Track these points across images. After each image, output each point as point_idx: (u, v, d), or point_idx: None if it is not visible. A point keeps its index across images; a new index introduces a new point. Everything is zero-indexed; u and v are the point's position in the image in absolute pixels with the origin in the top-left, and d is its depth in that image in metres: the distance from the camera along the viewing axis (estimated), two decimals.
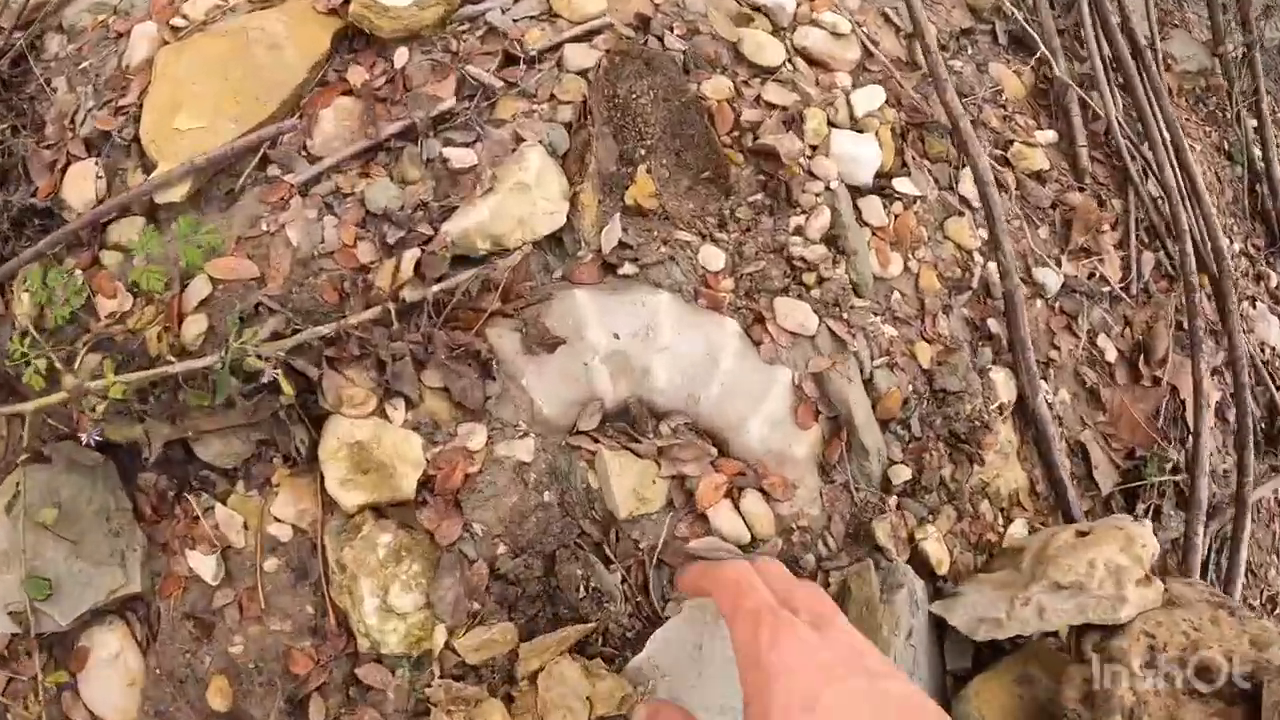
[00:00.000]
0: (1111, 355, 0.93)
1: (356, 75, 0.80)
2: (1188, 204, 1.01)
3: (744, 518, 0.73)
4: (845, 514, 0.77)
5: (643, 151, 0.82)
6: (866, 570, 0.72)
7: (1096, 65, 1.05)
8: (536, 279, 0.75)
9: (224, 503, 0.73)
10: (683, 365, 0.74)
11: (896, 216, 0.87)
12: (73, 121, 0.81)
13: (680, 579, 0.55)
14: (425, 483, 0.70)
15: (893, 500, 0.79)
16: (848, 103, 0.88)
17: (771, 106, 0.85)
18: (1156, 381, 0.93)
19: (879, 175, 0.87)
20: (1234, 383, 0.96)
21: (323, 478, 0.70)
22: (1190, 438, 0.92)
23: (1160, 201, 1.01)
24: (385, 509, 0.70)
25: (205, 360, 0.68)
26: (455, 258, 0.72)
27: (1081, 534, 0.75)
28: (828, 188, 0.83)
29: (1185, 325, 0.96)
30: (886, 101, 0.89)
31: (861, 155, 0.85)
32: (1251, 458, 0.92)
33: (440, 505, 0.69)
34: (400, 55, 0.80)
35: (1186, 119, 1.21)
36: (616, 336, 0.73)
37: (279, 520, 0.72)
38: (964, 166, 0.92)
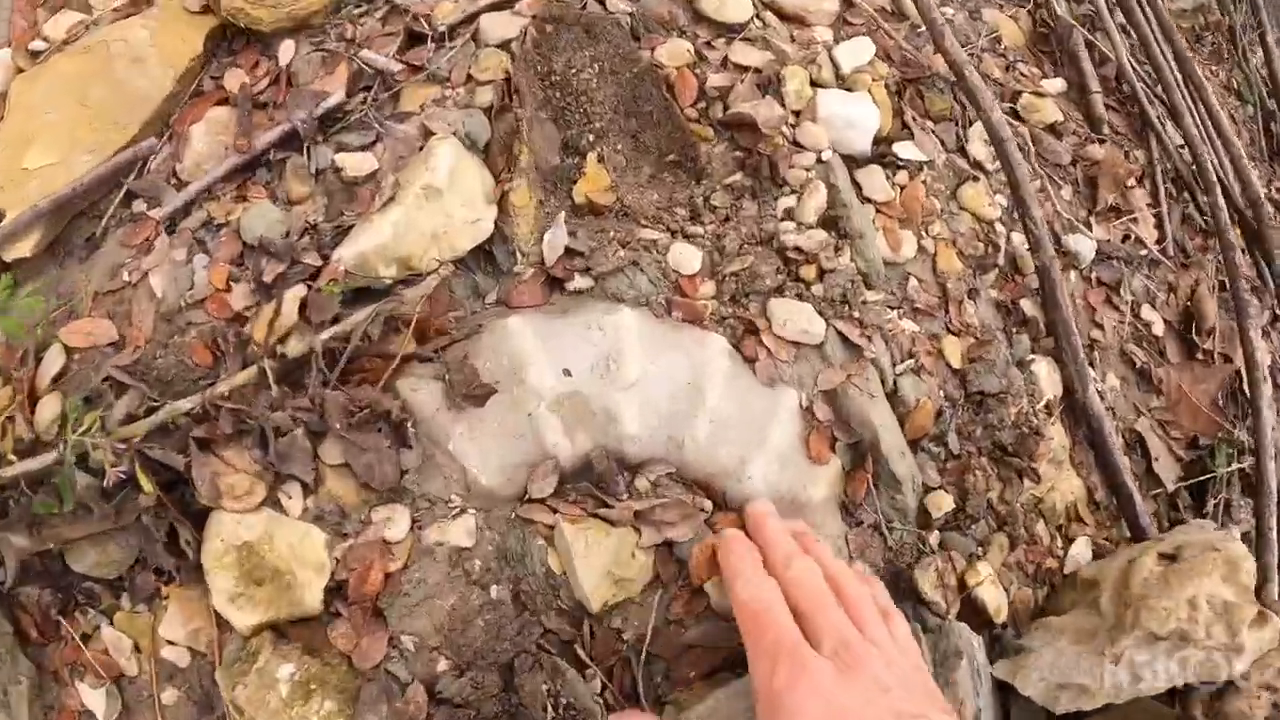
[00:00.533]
0: (1159, 328, 0.62)
1: (234, 80, 0.50)
2: (1213, 149, 0.68)
3: None
4: (878, 562, 0.48)
5: (591, 137, 0.52)
6: (916, 632, 0.42)
7: (1100, 3, 0.72)
8: (463, 308, 0.45)
9: (111, 621, 0.45)
10: (658, 402, 0.44)
11: (903, 188, 0.56)
12: None
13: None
14: (335, 589, 0.41)
15: (934, 537, 0.49)
16: (831, 59, 0.56)
17: (742, 69, 0.53)
18: (1213, 358, 0.61)
19: (877, 141, 0.56)
20: None
21: (210, 592, 0.42)
22: (1250, 414, 0.61)
23: (1183, 151, 0.68)
24: (287, 628, 0.41)
25: (45, 458, 0.39)
26: (355, 291, 0.42)
27: (1166, 557, 0.46)
28: (819, 159, 0.52)
29: (1227, 286, 0.64)
30: (876, 55, 0.58)
31: (855, 116, 0.54)
32: None
33: (357, 617, 0.40)
34: (285, 50, 0.50)
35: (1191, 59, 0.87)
36: (568, 374, 0.43)
37: (171, 642, 0.44)
38: (972, 124, 0.60)
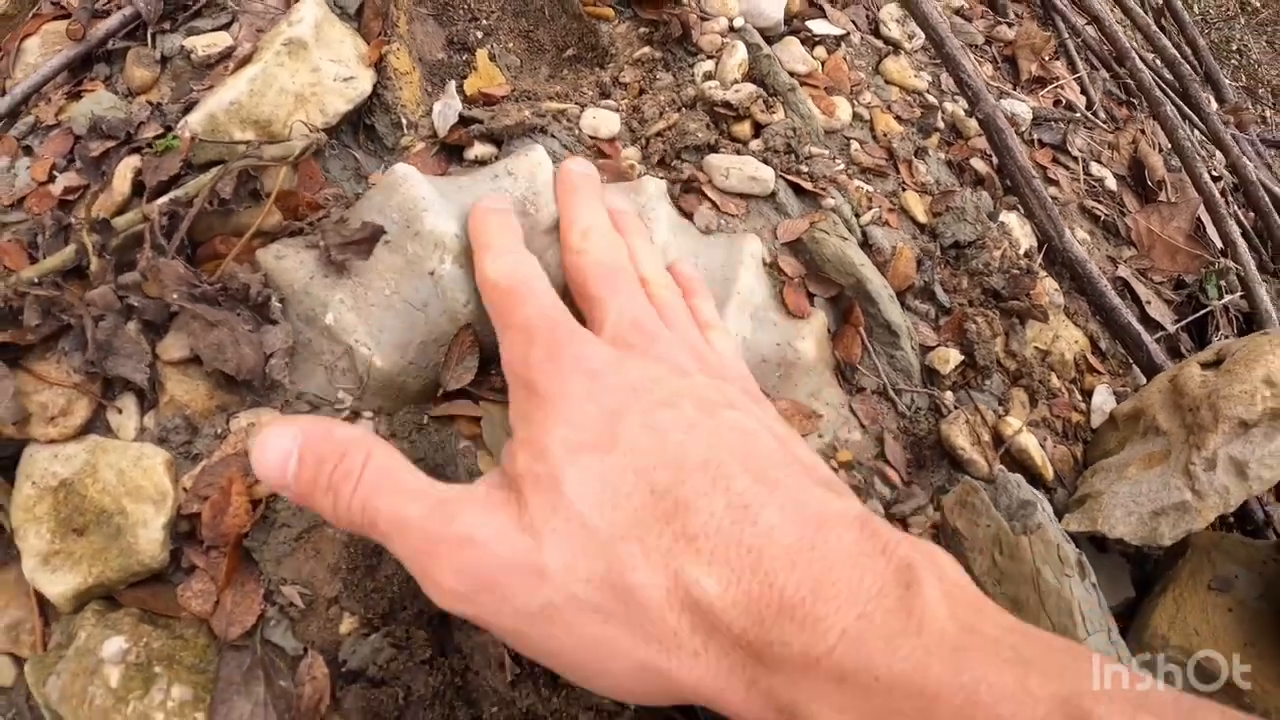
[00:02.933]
0: (1112, 183, 0.64)
1: None
2: (1119, 27, 0.75)
3: None
4: (894, 430, 0.43)
5: (479, 34, 0.50)
6: (972, 494, 0.37)
7: None
8: (343, 190, 0.40)
9: None
10: None
11: (823, 62, 0.57)
12: None
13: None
14: (187, 534, 0.32)
15: (949, 398, 0.45)
16: None
17: None
18: (1173, 200, 0.64)
19: (789, 18, 0.58)
20: (1240, 182, 0.68)
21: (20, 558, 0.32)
22: (1226, 251, 0.63)
23: (1090, 27, 0.75)
24: (118, 589, 0.32)
25: None
26: (205, 164, 0.37)
27: (1209, 364, 0.43)
28: (732, 27, 0.53)
29: (1165, 143, 0.68)
30: None
31: None
32: None
33: (216, 566, 0.31)
34: None
35: None
36: None
37: None
38: (882, 6, 0.64)
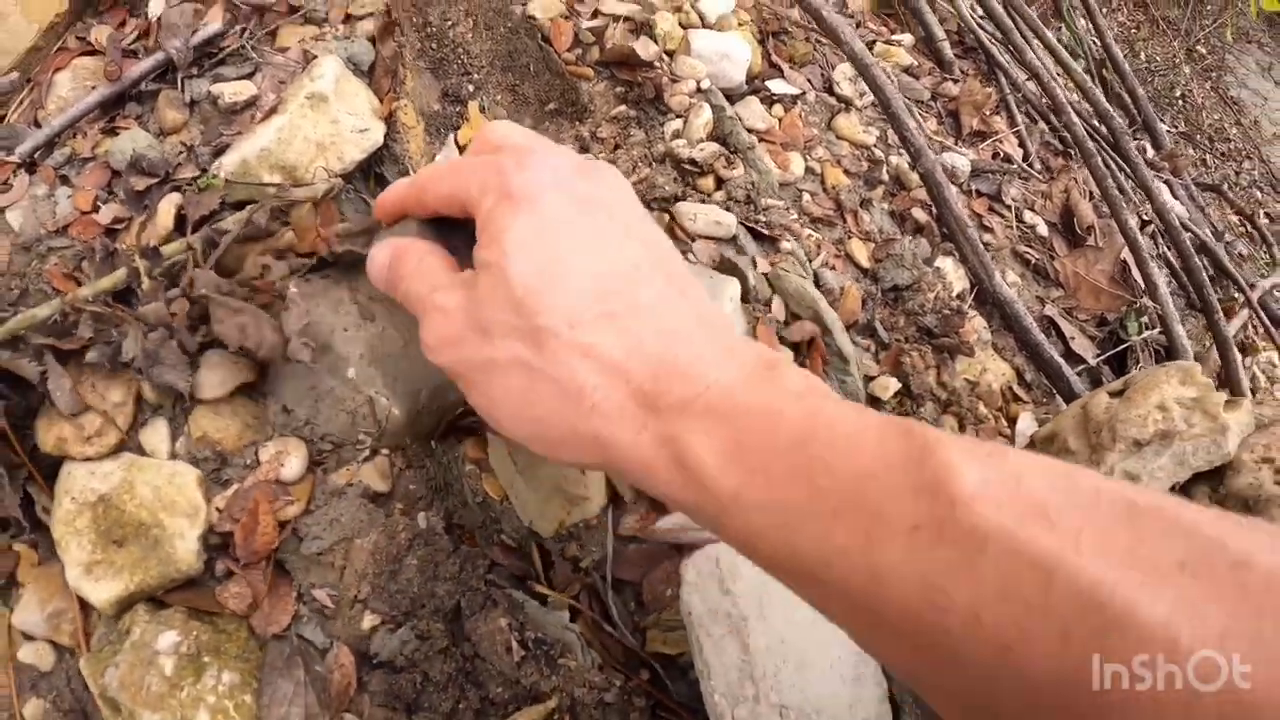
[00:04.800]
0: (1043, 230, 0.76)
1: (102, 33, 0.53)
2: (1057, 81, 0.89)
3: None
4: None
5: (471, 87, 0.59)
6: None
7: None
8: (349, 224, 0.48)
9: None
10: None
11: (780, 119, 0.68)
12: None
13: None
14: (220, 546, 0.39)
15: None
16: (695, 9, 0.69)
17: (613, 18, 0.65)
18: (1100, 247, 0.77)
19: (750, 78, 0.68)
20: (1165, 227, 0.82)
21: (64, 567, 0.38)
22: (1146, 291, 0.76)
23: (1029, 84, 0.89)
24: (161, 594, 0.39)
25: None
26: (237, 204, 0.45)
27: (1115, 394, 0.55)
28: (699, 88, 0.63)
29: (1096, 191, 0.82)
30: (739, 6, 0.72)
31: (728, 49, 0.66)
32: (1211, 295, 0.77)
33: (252, 575, 0.39)
34: (155, 5, 0.54)
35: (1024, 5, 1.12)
36: None
37: (29, 637, 0.39)
38: (834, 67, 0.75)
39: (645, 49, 0.62)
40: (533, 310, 0.26)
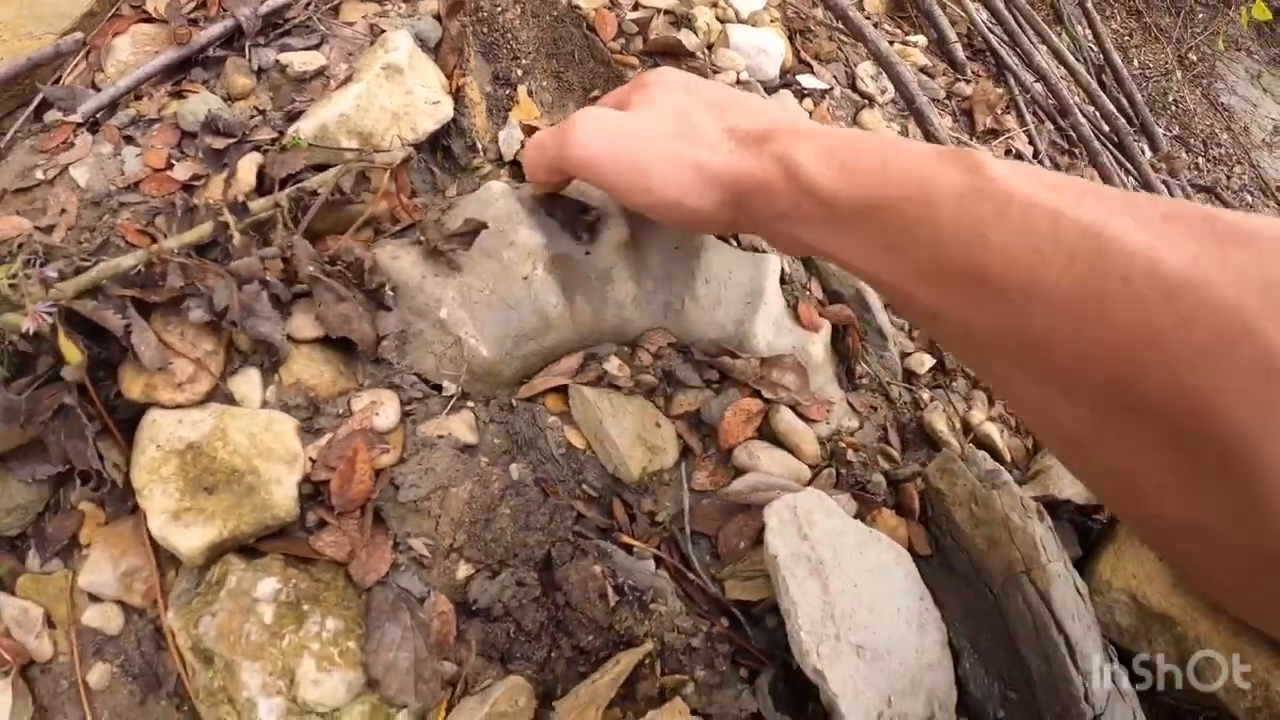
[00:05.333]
0: None
1: (160, 1, 0.53)
2: (1063, 84, 0.95)
3: (785, 445, 0.50)
4: (890, 419, 0.56)
5: (519, 72, 0.61)
6: (950, 461, 0.50)
7: None
8: (424, 197, 0.50)
9: (10, 590, 0.39)
10: (653, 266, 0.51)
11: (810, 111, 0.72)
12: None
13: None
14: (313, 496, 0.40)
15: (926, 395, 0.59)
16: (730, 3, 0.73)
17: (654, 10, 0.68)
18: None
19: (784, 72, 0.72)
20: None
21: (146, 518, 0.39)
22: None
23: (1038, 85, 0.95)
24: (253, 543, 0.39)
25: None
26: (315, 167, 0.46)
27: None
28: (739, 80, 0.67)
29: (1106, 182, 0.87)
30: (770, 4, 0.76)
31: (765, 44, 0.69)
32: None
33: (349, 524, 0.40)
34: None
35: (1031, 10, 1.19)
36: (560, 237, 0.48)
37: (96, 599, 0.39)
38: (858, 65, 0.80)
39: (689, 40, 0.65)
40: (677, 110, 0.37)
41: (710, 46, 0.68)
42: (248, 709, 0.35)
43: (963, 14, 0.94)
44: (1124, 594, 0.52)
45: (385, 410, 0.42)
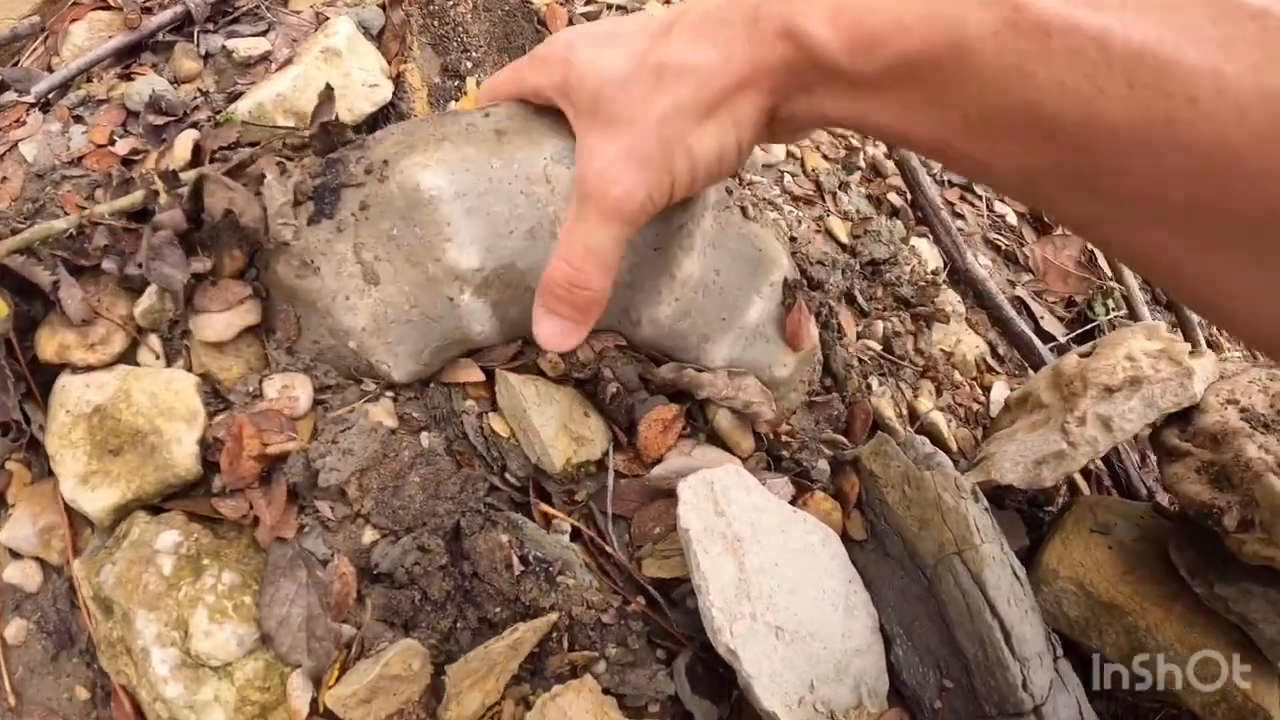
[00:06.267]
0: (1013, 219, 0.83)
1: None
2: None
3: (724, 444, 0.50)
4: (841, 409, 0.57)
5: (469, 65, 0.64)
6: (884, 443, 0.50)
7: None
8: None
9: None
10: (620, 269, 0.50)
11: None
12: None
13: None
14: (208, 461, 0.41)
15: (874, 381, 0.60)
16: None
17: (606, 4, 0.71)
18: (1068, 233, 0.84)
19: None
20: None
21: (57, 479, 0.39)
22: (1113, 274, 0.83)
23: None
24: (158, 500, 0.40)
25: None
26: (250, 144, 0.48)
27: (1085, 355, 0.60)
28: None
29: None
30: None
31: None
32: None
33: (253, 491, 0.40)
34: None
35: None
36: (499, 243, 0.46)
37: (16, 555, 0.40)
38: None
39: None
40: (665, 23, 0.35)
41: None
42: (143, 659, 0.35)
43: None
44: (1071, 583, 0.52)
45: (298, 394, 0.42)
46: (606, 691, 0.42)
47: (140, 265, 0.40)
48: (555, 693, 0.40)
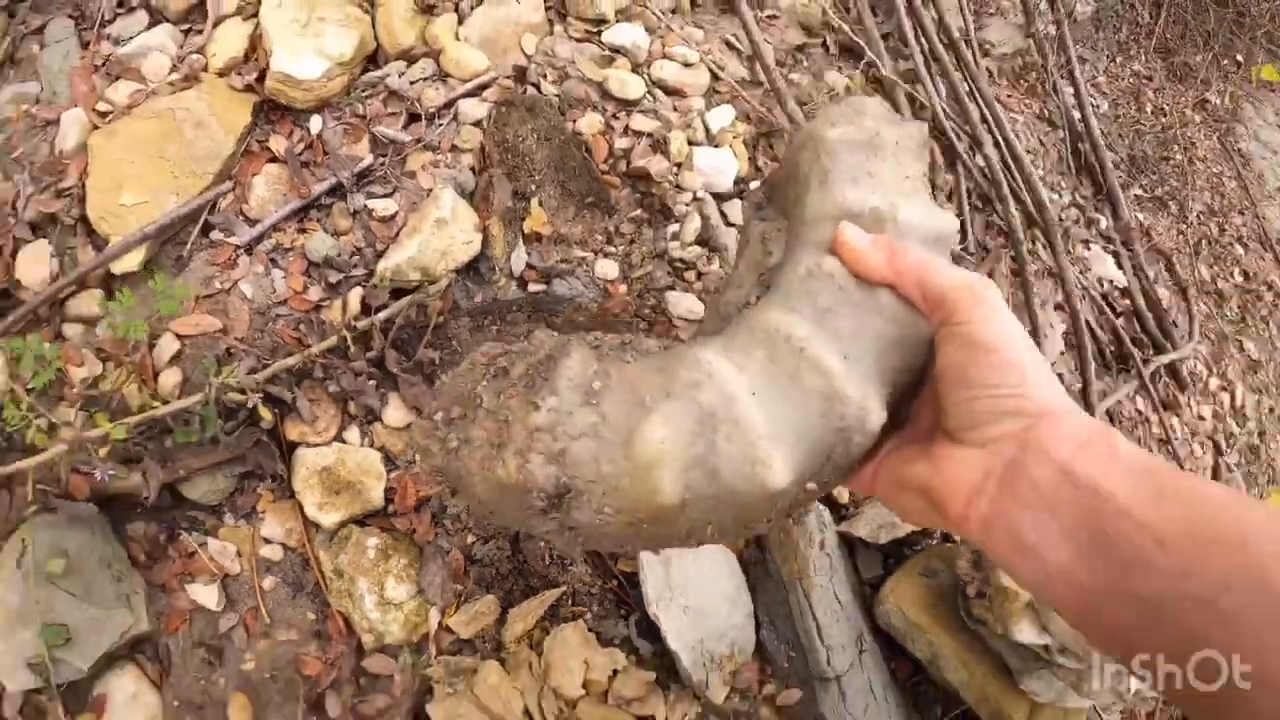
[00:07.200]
0: None
1: (278, 143, 1.08)
2: (1011, 170, 1.41)
3: None
4: None
5: (533, 186, 1.14)
6: None
7: (918, 61, 1.45)
8: (459, 305, 1.04)
9: (215, 536, 0.98)
10: None
11: None
12: (14, 208, 1.05)
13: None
14: (388, 498, 0.97)
15: None
16: (703, 123, 1.22)
17: (639, 134, 1.18)
18: None
19: (737, 181, 1.22)
20: (1070, 313, 1.36)
21: (302, 506, 0.96)
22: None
23: (987, 171, 1.41)
24: (363, 519, 0.97)
25: (191, 399, 0.93)
26: (393, 292, 1.00)
27: None
28: (695, 197, 1.17)
29: (1019, 273, 1.35)
30: (736, 117, 1.25)
31: (721, 165, 1.19)
32: (1091, 372, 1.31)
33: (410, 515, 0.97)
34: (315, 122, 1.08)
35: (1008, 96, 1.64)
36: None
37: (269, 542, 0.97)
38: None
39: (658, 166, 1.16)
40: None
41: (679, 165, 1.18)
42: (359, 599, 0.93)
43: (927, 101, 1.39)
44: (895, 607, 1.07)
45: None
46: (590, 630, 0.99)
47: (350, 395, 0.94)
48: (561, 629, 0.97)
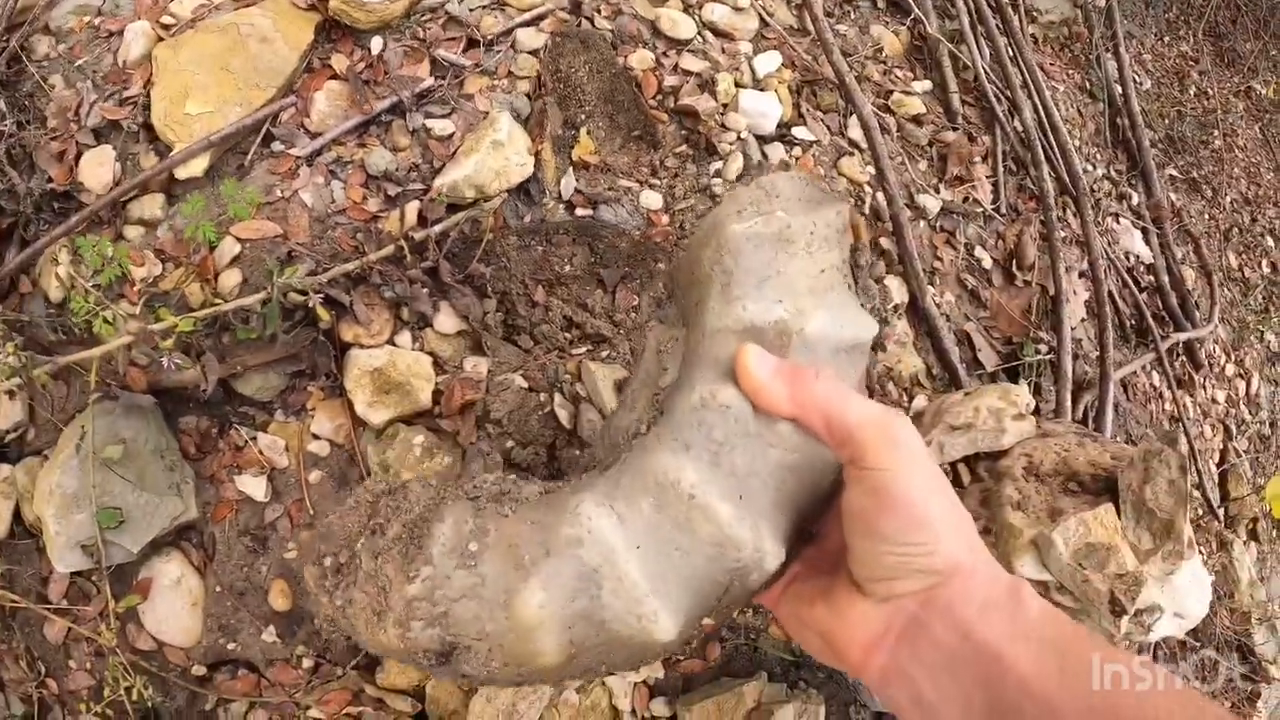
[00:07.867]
0: (988, 263, 1.40)
1: (340, 62, 1.17)
2: (1047, 137, 1.50)
3: None
4: None
5: (583, 116, 1.23)
6: None
7: (964, 22, 1.53)
8: (510, 225, 1.14)
9: (265, 431, 1.08)
10: None
11: (797, 159, 1.31)
12: (77, 114, 1.14)
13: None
14: (435, 400, 1.07)
15: None
16: (750, 67, 1.31)
17: (688, 73, 1.27)
18: (1027, 284, 1.41)
19: (780, 125, 1.31)
20: (1093, 281, 1.45)
21: (351, 404, 1.06)
22: (1053, 324, 1.40)
23: (1024, 136, 1.50)
24: (410, 419, 1.07)
25: (254, 297, 1.03)
26: (449, 206, 1.10)
27: (967, 394, 1.20)
28: (739, 138, 1.26)
29: (1048, 237, 1.44)
30: (783, 64, 1.33)
31: (765, 109, 1.28)
32: (1110, 340, 1.41)
33: (455, 416, 1.07)
34: (376, 43, 1.17)
35: (1051, 64, 1.72)
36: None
37: (318, 438, 1.08)
38: (851, 114, 1.37)
39: (705, 105, 1.25)
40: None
41: (725, 107, 1.27)
42: None
43: (969, 62, 1.48)
44: None
45: (480, 368, 1.08)
46: None
47: (404, 302, 1.04)
48: None
